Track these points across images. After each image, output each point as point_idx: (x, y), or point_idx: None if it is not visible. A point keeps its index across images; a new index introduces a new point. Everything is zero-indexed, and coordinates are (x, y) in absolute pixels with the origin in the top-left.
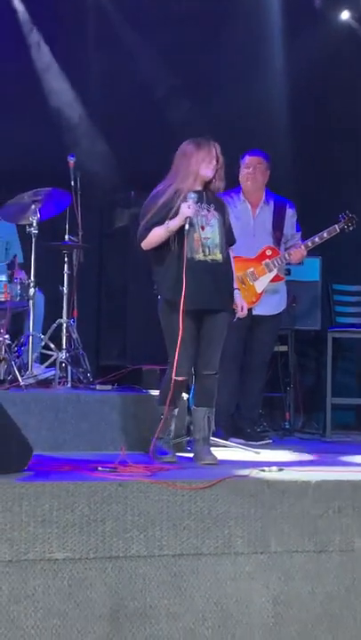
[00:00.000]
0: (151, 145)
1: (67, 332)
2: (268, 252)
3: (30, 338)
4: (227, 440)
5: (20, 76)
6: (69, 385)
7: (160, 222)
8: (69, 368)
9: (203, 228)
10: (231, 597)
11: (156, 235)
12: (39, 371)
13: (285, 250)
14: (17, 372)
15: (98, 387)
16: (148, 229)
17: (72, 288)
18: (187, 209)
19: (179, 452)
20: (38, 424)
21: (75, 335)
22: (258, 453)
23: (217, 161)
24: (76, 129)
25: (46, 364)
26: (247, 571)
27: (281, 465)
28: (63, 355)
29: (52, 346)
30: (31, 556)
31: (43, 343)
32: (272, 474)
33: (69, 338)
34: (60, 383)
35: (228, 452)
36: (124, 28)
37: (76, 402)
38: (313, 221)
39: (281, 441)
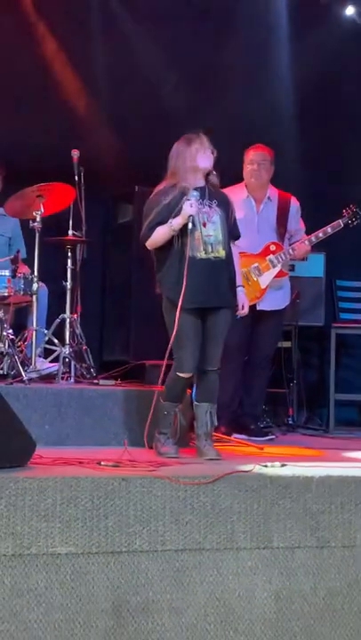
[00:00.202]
0: (156, 140)
1: (70, 327)
2: (273, 248)
3: (34, 333)
4: (230, 436)
5: (25, 69)
6: (72, 380)
7: (163, 222)
8: (73, 363)
9: (205, 225)
10: (233, 592)
11: (160, 234)
12: (42, 366)
13: (290, 245)
14: (20, 366)
15: (101, 382)
16: (152, 229)
17: (75, 283)
18: (189, 207)
19: (182, 447)
20: (41, 419)
21: (78, 330)
22: (261, 449)
23: (212, 152)
24: (80, 123)
25: (50, 358)
26: (249, 566)
27: (284, 460)
28: (66, 350)
29: (56, 341)
30: (34, 550)
31: (46, 338)
32: (275, 469)
33: (73, 333)
34: (63, 378)
35: (232, 447)
36: (131, 22)
37: (79, 397)
38: (317, 217)
39: (284, 437)
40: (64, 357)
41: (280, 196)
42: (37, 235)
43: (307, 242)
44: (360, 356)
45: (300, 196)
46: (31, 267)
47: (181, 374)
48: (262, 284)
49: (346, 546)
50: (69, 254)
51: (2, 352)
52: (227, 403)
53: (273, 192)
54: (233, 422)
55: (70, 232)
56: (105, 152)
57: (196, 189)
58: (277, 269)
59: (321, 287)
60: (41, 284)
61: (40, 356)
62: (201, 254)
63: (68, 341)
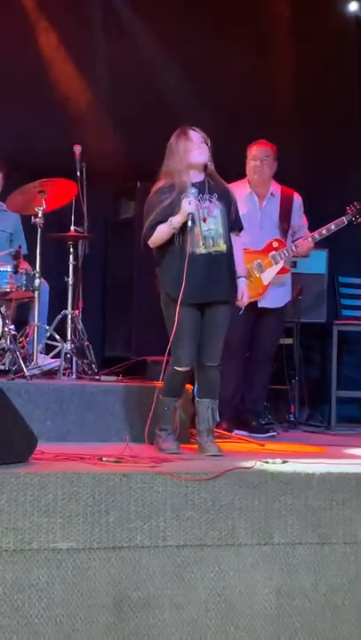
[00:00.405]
0: (158, 135)
1: (72, 322)
2: (275, 244)
3: (35, 328)
4: (231, 432)
5: (27, 65)
6: (74, 376)
7: (164, 221)
8: (74, 359)
9: (205, 220)
10: (234, 588)
11: (161, 232)
12: (44, 361)
13: (292, 242)
14: (22, 362)
15: (102, 378)
16: (153, 228)
17: (77, 279)
18: (188, 205)
19: (183, 443)
20: (43, 415)
21: (80, 326)
22: (262, 446)
23: (206, 143)
24: (82, 119)
25: (51, 354)
26: (250, 562)
27: (285, 457)
28: (68, 346)
29: (57, 337)
30: (35, 545)
31: (48, 334)
32: (276, 466)
33: (74, 329)
34: (64, 374)
35: (233, 443)
36: (133, 17)
37: (81, 393)
38: (320, 213)
39: (286, 433)
40: (65, 353)
41: (283, 191)
42: (39, 230)
43: (310, 239)
44: None
45: (303, 192)
46: (33, 262)
47: (179, 368)
48: (265, 281)
49: (347, 542)
50: (71, 250)
51: (3, 348)
52: (228, 399)
53: (276, 188)
54: (234, 419)
55: (72, 228)
56: (107, 148)
57: (194, 185)
58: (280, 266)
59: (323, 284)
60: (42, 280)
61: (42, 352)
62: (201, 250)
63: (69, 337)
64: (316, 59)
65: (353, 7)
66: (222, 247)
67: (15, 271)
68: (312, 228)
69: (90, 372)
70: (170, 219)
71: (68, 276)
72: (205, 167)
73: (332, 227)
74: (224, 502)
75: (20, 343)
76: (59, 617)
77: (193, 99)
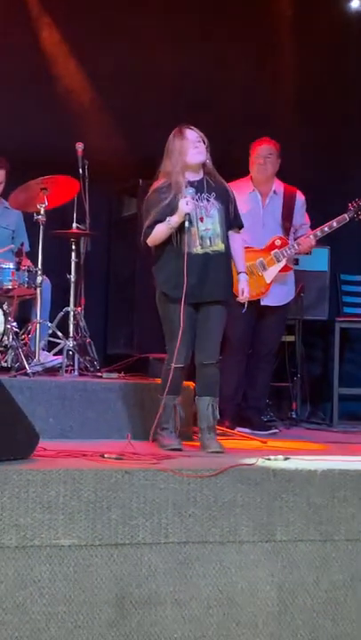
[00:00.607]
0: (160, 133)
1: (74, 320)
2: (278, 243)
3: (37, 325)
4: (233, 429)
5: (30, 62)
6: (76, 373)
7: (163, 220)
8: (76, 356)
9: (202, 220)
10: (236, 585)
11: (159, 232)
12: (46, 358)
13: (294, 240)
14: (24, 359)
15: (105, 375)
16: (151, 227)
17: (79, 276)
18: (185, 205)
19: (184, 440)
20: (45, 412)
21: (82, 323)
22: (264, 443)
23: (203, 141)
24: (85, 116)
25: (53, 351)
26: (252, 559)
27: (287, 454)
28: (70, 343)
29: (60, 334)
30: (37, 542)
31: (50, 331)
32: (278, 463)
33: (77, 326)
34: (67, 371)
35: (235, 441)
36: (136, 14)
37: (83, 390)
38: (322, 211)
39: (288, 430)
40: (68, 350)
41: (286, 189)
42: (42, 228)
43: (312, 236)
44: None
45: (306, 189)
46: (35, 260)
47: (173, 365)
48: (267, 279)
49: (349, 539)
50: (73, 247)
51: (6, 345)
52: (230, 396)
53: (278, 186)
54: (236, 416)
55: (74, 225)
56: (109, 145)
57: (192, 184)
58: (282, 264)
59: (325, 281)
60: (44, 277)
61: (44, 349)
62: (197, 249)
63: (71, 334)
64: (318, 57)
65: (355, 4)
66: (220, 247)
67: (17, 268)
68: (314, 225)
69: (92, 370)
70: (168, 218)
71: (70, 274)
72: (204, 165)
73: (334, 224)
74: (226, 499)
75: (22, 340)
76: (61, 613)
77: (195, 97)
